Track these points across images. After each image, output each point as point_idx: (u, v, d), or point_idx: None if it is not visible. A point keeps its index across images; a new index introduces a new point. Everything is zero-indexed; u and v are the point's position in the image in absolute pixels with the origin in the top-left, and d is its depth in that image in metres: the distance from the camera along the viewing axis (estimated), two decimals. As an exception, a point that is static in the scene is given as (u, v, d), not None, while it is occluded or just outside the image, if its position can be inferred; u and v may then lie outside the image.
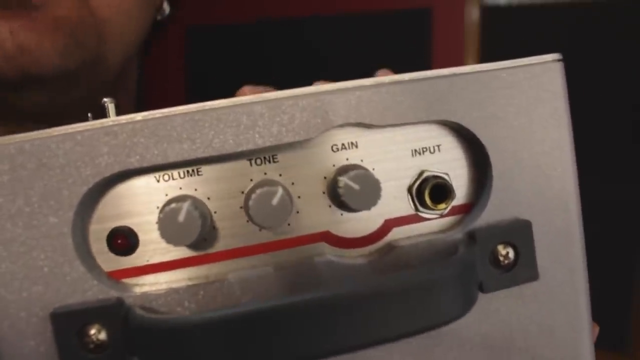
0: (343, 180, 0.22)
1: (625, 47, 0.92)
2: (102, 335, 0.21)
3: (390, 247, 0.23)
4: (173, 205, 0.21)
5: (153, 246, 0.23)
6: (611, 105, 0.94)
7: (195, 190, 0.23)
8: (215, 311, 0.20)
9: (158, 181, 0.23)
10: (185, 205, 0.21)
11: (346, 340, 0.19)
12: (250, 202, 0.22)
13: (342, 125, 0.22)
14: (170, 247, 0.23)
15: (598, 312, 0.28)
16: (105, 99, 0.24)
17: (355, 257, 0.23)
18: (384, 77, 0.22)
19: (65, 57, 0.35)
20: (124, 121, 0.21)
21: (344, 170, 0.23)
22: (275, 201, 0.21)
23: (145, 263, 0.23)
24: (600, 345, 0.26)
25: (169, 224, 0.21)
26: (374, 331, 0.19)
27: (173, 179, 0.23)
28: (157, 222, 0.21)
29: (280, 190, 0.21)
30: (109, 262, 0.23)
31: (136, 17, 0.38)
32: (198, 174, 0.23)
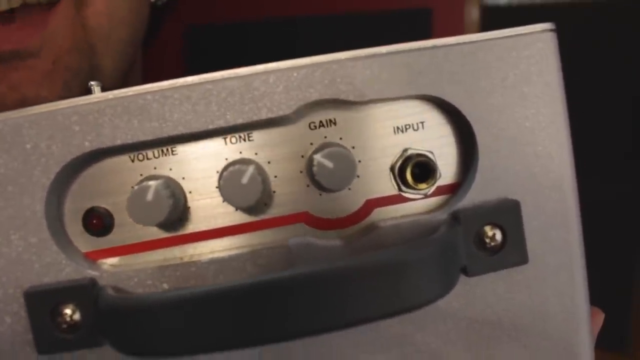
0: (316, 158, 0.21)
1: (626, 47, 0.88)
2: (76, 316, 0.20)
3: (370, 228, 0.22)
4: (143, 184, 0.20)
5: (129, 227, 0.22)
6: (611, 105, 0.90)
7: (170, 170, 0.22)
8: (180, 290, 0.19)
9: (132, 161, 0.22)
10: (154, 184, 0.20)
11: (312, 322, 0.18)
12: (221, 181, 0.21)
13: (317, 102, 0.21)
14: (146, 228, 0.22)
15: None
16: (91, 82, 0.24)
17: (333, 238, 0.22)
18: (361, 51, 0.21)
19: (64, 95, 0.33)
20: (94, 100, 0.21)
21: (321, 148, 0.21)
22: (245, 179, 0.20)
23: (121, 244, 0.22)
24: (600, 345, 0.24)
25: (136, 203, 0.20)
26: (339, 313, 0.18)
27: (147, 158, 0.22)
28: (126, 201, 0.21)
29: (250, 169, 0.20)
30: (85, 242, 0.22)
31: (128, 20, 0.35)
32: (173, 154, 0.22)
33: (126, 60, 0.37)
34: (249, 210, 0.22)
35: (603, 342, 0.24)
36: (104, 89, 0.22)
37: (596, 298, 0.26)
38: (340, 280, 0.18)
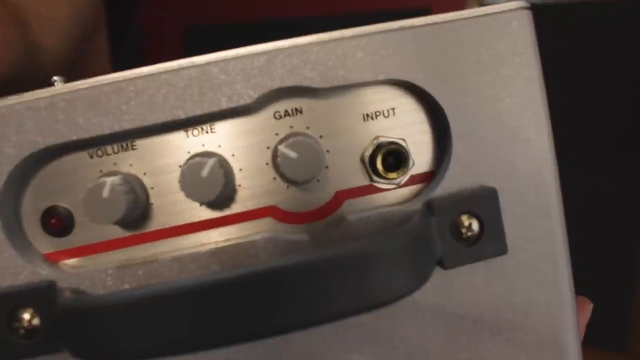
0: (280, 148, 0.20)
1: (625, 47, 0.86)
2: (35, 321, 0.19)
3: (340, 221, 0.21)
4: (98, 180, 0.19)
5: (90, 226, 0.21)
6: (611, 105, 0.88)
7: (131, 165, 0.21)
8: (137, 290, 0.18)
9: (91, 157, 0.21)
10: (109, 180, 0.19)
11: (275, 321, 0.17)
12: (181, 176, 0.20)
13: (280, 89, 0.20)
14: (109, 226, 0.21)
15: (598, 312, 0.26)
16: (55, 77, 0.23)
17: (301, 233, 0.21)
18: (324, 34, 0.20)
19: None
20: (47, 94, 0.20)
21: (287, 138, 0.20)
22: (205, 173, 0.19)
23: (82, 244, 0.21)
24: (600, 345, 0.23)
25: (93, 201, 0.19)
26: (303, 311, 0.17)
27: (107, 154, 0.21)
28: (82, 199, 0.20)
29: (210, 161, 0.19)
30: (45, 243, 0.21)
31: None
32: (133, 148, 0.21)
33: (70, 41, 0.35)
34: (213, 205, 0.21)
35: (603, 342, 0.23)
36: (48, 70, 0.21)
37: (596, 297, 0.26)
38: (304, 276, 0.17)
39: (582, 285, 0.23)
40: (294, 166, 0.19)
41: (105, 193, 0.19)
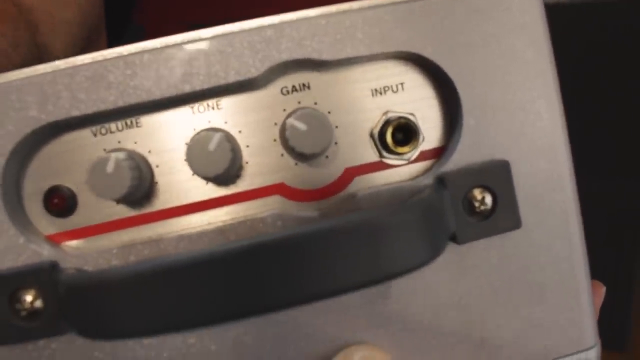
0: (289, 122, 0.19)
1: (626, 47, 0.86)
2: (38, 303, 0.19)
3: (349, 197, 0.20)
4: (103, 156, 0.19)
5: (93, 206, 0.20)
6: (611, 105, 0.88)
7: (135, 143, 0.20)
8: (142, 263, 0.17)
9: (95, 135, 0.20)
10: (114, 155, 0.19)
11: (286, 293, 0.16)
12: (188, 149, 0.19)
13: (288, 62, 0.20)
14: (112, 207, 0.20)
15: (599, 312, 0.25)
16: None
17: (311, 210, 0.20)
18: (332, 7, 0.20)
19: (2, 62, 0.30)
20: (49, 69, 0.19)
21: (294, 113, 0.20)
22: (212, 146, 0.19)
23: (86, 224, 0.20)
24: (601, 345, 0.23)
25: (97, 176, 0.19)
26: (314, 282, 0.16)
27: (111, 132, 0.20)
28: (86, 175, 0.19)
29: (217, 135, 0.19)
30: (48, 224, 0.20)
31: (72, 1, 0.33)
32: (137, 126, 0.20)
33: (77, 44, 0.34)
34: (220, 182, 0.20)
35: (604, 342, 0.22)
36: None
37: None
38: (312, 246, 0.16)
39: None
40: (303, 138, 0.19)
41: (110, 168, 0.18)
